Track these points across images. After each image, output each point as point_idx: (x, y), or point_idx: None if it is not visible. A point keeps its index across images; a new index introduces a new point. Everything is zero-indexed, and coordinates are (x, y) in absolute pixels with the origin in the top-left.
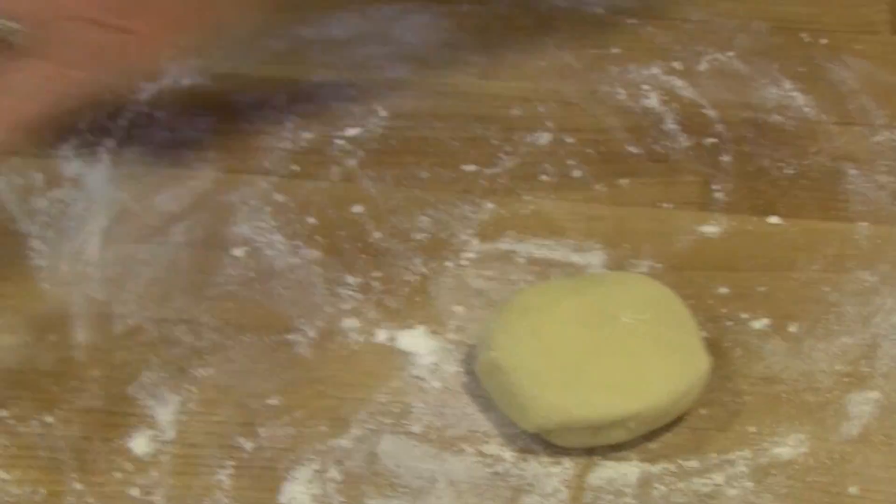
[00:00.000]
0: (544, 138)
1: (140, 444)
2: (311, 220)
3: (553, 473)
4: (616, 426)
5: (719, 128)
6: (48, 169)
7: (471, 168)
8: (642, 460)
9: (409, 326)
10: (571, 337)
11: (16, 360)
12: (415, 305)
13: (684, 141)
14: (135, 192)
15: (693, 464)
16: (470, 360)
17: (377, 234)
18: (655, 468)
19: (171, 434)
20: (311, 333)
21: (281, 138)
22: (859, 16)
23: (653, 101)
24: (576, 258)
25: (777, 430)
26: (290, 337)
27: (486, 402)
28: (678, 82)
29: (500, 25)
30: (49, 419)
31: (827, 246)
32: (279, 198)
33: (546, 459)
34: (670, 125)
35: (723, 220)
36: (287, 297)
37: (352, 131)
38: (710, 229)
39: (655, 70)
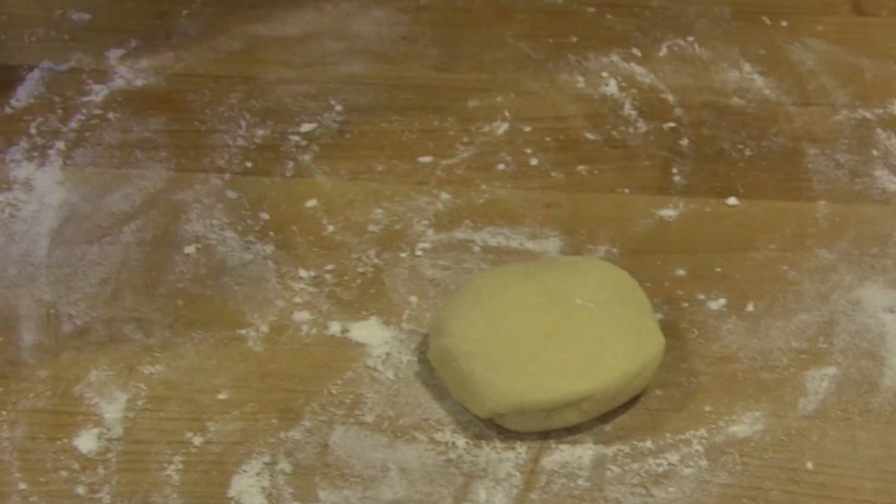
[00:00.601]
0: (502, 128)
1: (86, 442)
2: (264, 215)
3: (506, 459)
4: (569, 408)
5: (678, 112)
6: None
7: (427, 160)
8: (597, 442)
9: (362, 318)
10: (523, 321)
11: None
12: (368, 297)
13: (643, 126)
14: (85, 193)
15: (648, 444)
16: (423, 349)
17: (331, 228)
18: (610, 450)
19: (118, 431)
20: (263, 328)
21: (235, 136)
22: None
23: (612, 88)
24: (532, 245)
25: (733, 409)
26: (242, 332)
27: (439, 390)
28: (637, 69)
29: (459, 18)
30: None
31: (785, 225)
32: (232, 195)
33: (500, 445)
34: (629, 111)
35: (681, 204)
36: (239, 292)
37: (306, 126)
38: (669, 213)
39: (615, 57)
